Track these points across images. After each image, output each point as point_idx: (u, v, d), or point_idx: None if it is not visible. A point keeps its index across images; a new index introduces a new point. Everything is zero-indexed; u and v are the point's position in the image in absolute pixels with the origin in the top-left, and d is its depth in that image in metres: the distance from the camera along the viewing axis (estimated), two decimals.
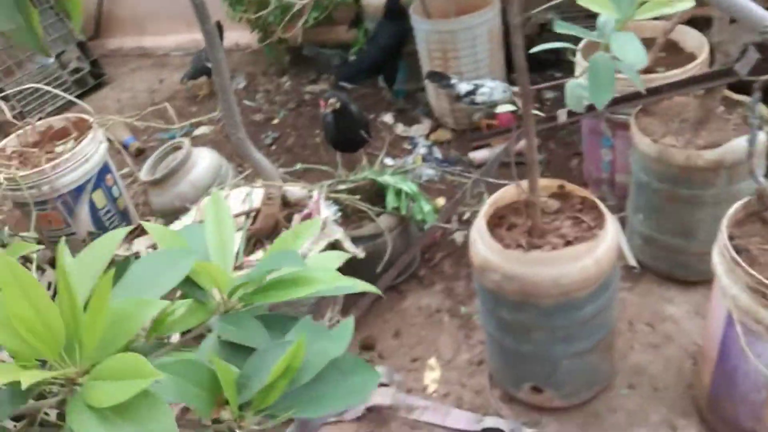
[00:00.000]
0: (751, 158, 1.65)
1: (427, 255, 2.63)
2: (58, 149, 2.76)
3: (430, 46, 3.14)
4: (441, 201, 2.88)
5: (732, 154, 1.93)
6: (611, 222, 1.71)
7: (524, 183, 1.72)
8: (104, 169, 2.76)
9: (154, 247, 2.28)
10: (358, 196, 2.30)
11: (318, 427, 1.96)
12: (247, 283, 0.69)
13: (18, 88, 3.83)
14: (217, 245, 0.80)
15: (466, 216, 2.76)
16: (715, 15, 1.90)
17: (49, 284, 2.38)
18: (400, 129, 3.48)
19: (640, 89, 1.45)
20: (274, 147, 3.58)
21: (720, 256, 1.55)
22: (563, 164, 2.98)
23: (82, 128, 2.85)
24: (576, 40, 1.38)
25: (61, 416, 0.81)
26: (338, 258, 0.80)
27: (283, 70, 4.34)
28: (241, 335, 0.67)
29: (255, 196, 2.28)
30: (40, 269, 2.38)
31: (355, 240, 2.26)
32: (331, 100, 2.41)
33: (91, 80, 4.81)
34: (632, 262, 2.38)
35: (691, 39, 2.48)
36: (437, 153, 3.23)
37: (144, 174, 2.68)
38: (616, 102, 2.16)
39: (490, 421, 1.93)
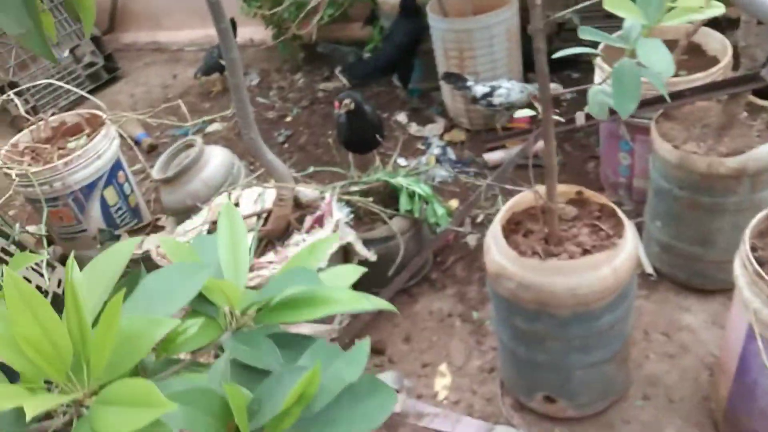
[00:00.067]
0: None
1: (440, 258, 2.60)
2: (71, 145, 2.76)
3: (446, 45, 3.10)
4: (454, 203, 2.84)
5: (755, 162, 1.89)
6: (630, 230, 1.68)
7: (541, 188, 1.68)
8: (116, 166, 2.75)
9: None
10: (370, 199, 2.27)
11: None
12: (260, 302, 0.67)
13: (30, 84, 3.83)
14: (230, 258, 0.77)
15: (479, 219, 2.72)
16: (742, 18, 1.85)
17: (59, 281, 2.37)
18: (413, 129, 3.45)
19: (665, 97, 1.41)
20: (286, 145, 3.56)
21: (742, 268, 1.51)
22: (580, 167, 2.93)
23: (95, 124, 2.84)
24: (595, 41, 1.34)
25: None
26: (354, 272, 0.78)
27: (297, 67, 4.31)
28: (253, 356, 0.65)
29: (267, 196, 2.26)
30: (51, 266, 2.37)
31: (367, 242, 2.24)
32: (346, 101, 2.38)
33: (105, 75, 4.81)
34: (649, 269, 2.34)
35: (714, 42, 2.43)
36: (451, 154, 3.20)
37: (156, 172, 2.67)
38: (637, 106, 2.12)
39: (501, 430, 1.90)
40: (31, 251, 2.33)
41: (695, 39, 2.44)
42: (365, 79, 3.69)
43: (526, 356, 1.82)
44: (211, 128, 3.85)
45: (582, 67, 3.39)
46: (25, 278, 2.21)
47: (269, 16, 3.84)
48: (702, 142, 2.03)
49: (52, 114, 2.95)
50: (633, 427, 1.89)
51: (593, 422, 1.91)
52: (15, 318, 0.59)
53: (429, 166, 3.09)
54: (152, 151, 3.74)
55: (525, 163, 2.72)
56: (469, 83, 3.00)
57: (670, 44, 2.02)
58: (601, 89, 1.36)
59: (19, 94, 3.60)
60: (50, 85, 4.22)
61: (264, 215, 2.21)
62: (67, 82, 4.46)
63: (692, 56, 2.45)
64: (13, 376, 0.69)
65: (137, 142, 3.74)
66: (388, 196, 2.42)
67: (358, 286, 2.35)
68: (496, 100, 2.93)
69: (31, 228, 2.80)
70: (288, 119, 3.81)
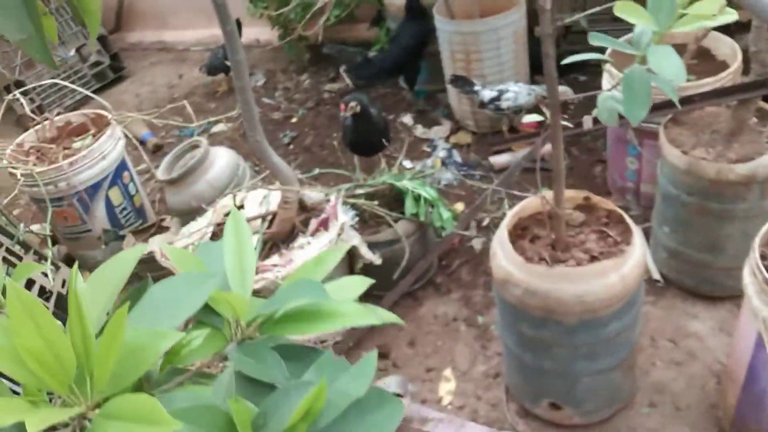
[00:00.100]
0: None
1: (445, 261, 2.59)
2: (76, 145, 2.76)
3: (452, 47, 3.09)
4: (460, 206, 2.83)
5: (765, 169, 1.87)
6: (638, 237, 1.66)
7: (548, 194, 1.67)
8: (121, 166, 2.75)
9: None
10: (376, 202, 2.26)
11: None
12: (266, 314, 0.66)
13: (36, 84, 3.84)
14: (236, 267, 0.76)
15: (485, 222, 2.71)
16: (753, 22, 1.83)
17: (64, 282, 2.37)
18: (419, 131, 3.43)
19: (676, 104, 1.39)
20: (291, 146, 3.55)
21: (751, 276, 1.49)
22: (587, 171, 2.92)
23: (100, 124, 2.84)
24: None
25: None
26: (360, 283, 0.76)
27: (302, 67, 4.31)
28: (258, 369, 0.64)
29: (272, 198, 2.25)
30: (55, 266, 2.37)
31: (372, 246, 2.23)
32: (352, 104, 2.37)
33: (111, 74, 4.81)
34: (656, 275, 2.33)
35: (724, 46, 2.41)
36: (457, 156, 3.18)
37: (161, 172, 2.66)
38: None
39: None
40: (35, 251, 2.33)
41: (705, 43, 2.42)
42: (371, 80, 3.68)
43: (531, 363, 1.80)
44: (216, 129, 3.84)
45: (589, 70, 3.37)
46: (29, 279, 2.21)
47: (275, 16, 3.83)
48: (711, 148, 2.01)
49: (58, 114, 2.94)
50: None
51: (599, 429, 1.89)
52: (17, 329, 0.58)
53: (435, 168, 3.08)
54: (157, 151, 3.74)
55: (532, 166, 2.72)
56: (476, 88, 2.98)
57: (679, 48, 2.01)
58: (610, 95, 1.35)
59: (24, 93, 3.60)
60: (56, 84, 4.23)
61: (269, 217, 2.21)
62: (73, 81, 4.47)
63: (701, 61, 2.43)
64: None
65: (142, 142, 3.74)
66: (394, 199, 2.40)
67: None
68: (504, 105, 2.91)
69: (35, 227, 2.80)
70: (293, 120, 3.80)
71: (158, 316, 0.66)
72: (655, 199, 2.25)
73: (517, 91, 2.91)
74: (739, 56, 2.25)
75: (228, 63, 1.77)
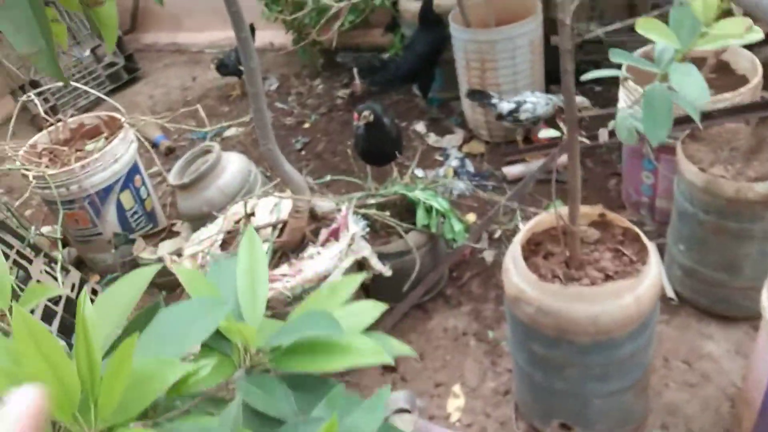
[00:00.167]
0: None
1: (455, 273, 2.56)
2: (89, 148, 2.76)
3: (468, 56, 3.06)
4: (472, 217, 2.80)
5: None
6: (654, 257, 1.63)
7: (563, 210, 1.64)
8: (133, 170, 2.75)
9: (178, 253, 2.25)
10: (387, 213, 2.24)
11: None
12: (276, 347, 0.64)
13: (50, 85, 3.85)
14: (249, 289, 0.74)
15: (497, 234, 2.68)
16: None
17: (73, 286, 2.36)
18: (432, 139, 3.41)
19: (696, 122, 1.36)
20: (303, 152, 3.54)
21: None
22: (601, 183, 2.88)
23: (113, 127, 2.84)
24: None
25: None
26: (374, 309, 0.74)
27: (316, 72, 4.30)
28: (267, 402, 0.62)
29: (283, 206, 2.23)
30: (65, 270, 2.37)
31: (383, 256, 2.21)
32: (365, 113, 2.35)
33: (125, 75, 4.83)
34: (670, 293, 2.29)
35: (744, 60, 2.37)
36: (469, 166, 3.15)
37: (173, 177, 2.66)
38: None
39: None
40: (46, 254, 2.33)
41: (724, 57, 2.39)
42: (385, 87, 3.67)
43: (542, 382, 1.77)
44: (228, 133, 3.84)
45: (605, 81, 3.34)
46: (38, 282, 2.20)
47: (290, 21, 3.83)
48: (730, 165, 1.98)
49: (71, 115, 2.95)
50: None
51: None
52: (22, 355, 0.56)
53: (447, 178, 3.05)
54: (170, 154, 3.74)
55: (545, 178, 2.69)
56: (494, 100, 2.95)
57: (698, 62, 1.98)
58: (629, 113, 1.32)
59: (39, 93, 3.62)
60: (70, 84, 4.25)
61: (279, 226, 2.19)
62: (88, 82, 4.49)
63: (720, 75, 2.39)
64: None
65: (155, 145, 3.75)
66: (405, 209, 2.38)
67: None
68: (522, 116, 2.89)
69: (46, 229, 2.80)
70: (306, 126, 3.79)
71: (167, 344, 0.64)
72: (671, 215, 2.21)
73: (536, 102, 2.88)
74: (760, 70, 2.22)
75: (241, 67, 1.75)
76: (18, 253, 2.20)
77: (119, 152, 2.64)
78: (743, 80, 2.29)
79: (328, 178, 2.80)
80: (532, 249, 1.77)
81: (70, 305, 2.25)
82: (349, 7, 3.21)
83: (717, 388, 1.98)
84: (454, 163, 3.18)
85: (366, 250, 2.09)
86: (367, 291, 2.28)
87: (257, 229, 2.17)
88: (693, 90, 1.12)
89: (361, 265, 2.17)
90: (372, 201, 2.33)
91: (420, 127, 3.52)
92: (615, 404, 1.77)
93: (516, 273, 1.65)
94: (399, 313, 2.28)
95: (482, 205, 2.88)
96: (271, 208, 2.25)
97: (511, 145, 3.17)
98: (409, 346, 2.24)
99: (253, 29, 3.77)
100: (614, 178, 2.88)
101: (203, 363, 0.64)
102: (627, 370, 1.70)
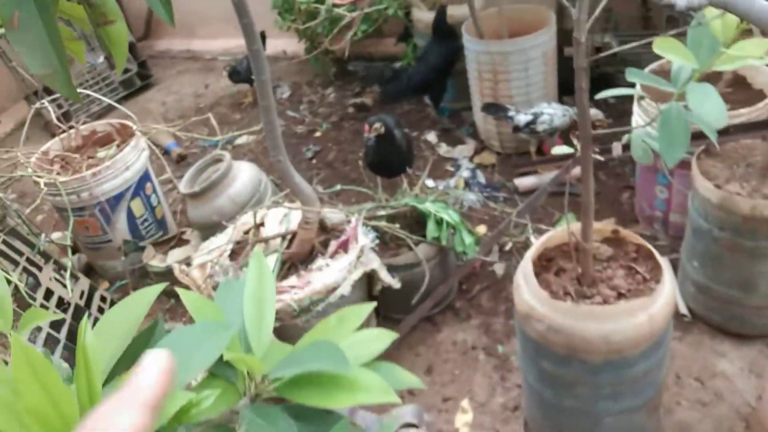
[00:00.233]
0: None
1: (465, 286, 2.54)
2: (100, 155, 2.77)
3: (480, 67, 3.05)
4: (482, 229, 2.78)
5: None
6: (668, 275, 1.60)
7: (575, 226, 1.62)
8: (144, 178, 2.75)
9: (187, 262, 2.24)
10: (397, 225, 2.23)
11: None
12: (281, 379, 0.63)
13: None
14: (255, 313, 0.73)
15: (507, 247, 2.66)
16: None
17: (82, 293, 2.37)
18: (443, 149, 3.39)
19: (713, 140, 1.34)
20: (314, 161, 3.53)
21: None
22: (614, 196, 2.85)
23: (125, 135, 2.85)
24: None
25: None
26: (384, 338, 0.73)
27: (328, 81, 4.30)
28: None
29: (292, 217, 2.23)
30: (74, 277, 2.37)
31: (392, 269, 2.19)
32: (376, 125, 2.34)
33: (138, 81, 4.85)
34: (683, 309, 2.26)
35: (761, 75, 2.34)
36: (481, 177, 3.13)
37: (183, 185, 2.66)
38: None
39: None
40: (55, 261, 2.33)
41: (740, 71, 2.36)
42: (397, 99, 3.66)
43: (552, 399, 1.75)
44: (240, 140, 3.85)
45: None
46: (48, 289, 2.21)
47: (303, 30, 3.84)
48: (746, 182, 1.95)
49: (84, 122, 2.96)
50: None
51: None
52: (21, 387, 0.55)
53: (458, 189, 3.03)
54: (182, 161, 3.75)
55: (558, 190, 2.67)
56: (510, 113, 2.94)
57: (714, 76, 1.96)
58: (645, 132, 1.30)
59: (52, 99, 3.64)
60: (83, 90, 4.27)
61: (288, 237, 2.18)
62: (101, 88, 4.52)
63: (737, 89, 2.36)
64: None
65: (167, 152, 3.76)
66: (415, 221, 2.37)
67: (381, 313, 2.29)
68: (540, 128, 2.87)
69: (56, 235, 2.81)
70: (317, 134, 3.79)
71: None
72: (685, 231, 2.18)
73: (553, 113, 2.86)
74: None
75: (253, 77, 1.75)
76: (28, 260, 2.21)
77: (130, 160, 2.64)
78: (760, 95, 2.26)
79: (339, 187, 2.80)
80: (544, 265, 1.75)
81: (78, 313, 2.25)
82: (362, 17, 3.21)
83: (730, 408, 1.95)
84: (465, 173, 3.17)
85: (375, 263, 2.08)
86: (376, 303, 2.26)
87: (266, 240, 2.16)
88: (711, 112, 1.10)
89: (370, 276, 2.16)
90: (382, 212, 2.31)
91: (431, 137, 3.51)
92: (626, 423, 1.74)
93: (527, 290, 1.63)
94: (407, 325, 2.27)
95: (492, 216, 2.86)
96: (281, 218, 2.24)
97: (523, 156, 3.15)
98: (417, 359, 2.23)
99: (264, 37, 3.78)
100: (627, 191, 2.85)
101: (206, 393, 0.62)
102: (639, 389, 1.67)
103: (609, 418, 1.72)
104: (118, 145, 2.82)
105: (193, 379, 0.70)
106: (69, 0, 0.90)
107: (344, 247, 2.09)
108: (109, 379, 0.72)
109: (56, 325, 2.09)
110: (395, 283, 2.14)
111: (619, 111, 3.21)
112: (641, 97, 2.15)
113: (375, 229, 2.21)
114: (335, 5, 3.12)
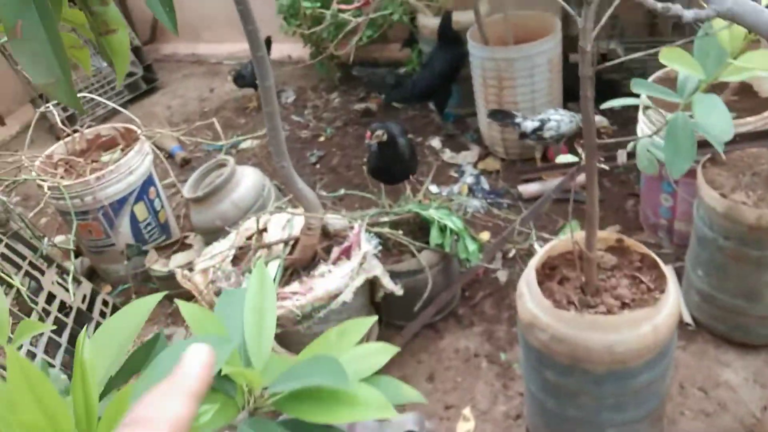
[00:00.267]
0: None
1: (468, 293, 2.53)
2: (104, 159, 2.77)
3: (485, 74, 3.04)
4: (486, 235, 2.77)
5: None
6: (673, 285, 1.59)
7: (579, 235, 1.61)
8: (148, 182, 2.75)
9: (190, 267, 2.24)
10: (400, 232, 2.22)
11: None
12: (280, 393, 0.62)
13: None
14: (255, 328, 0.72)
15: (511, 254, 2.65)
16: None
17: (84, 297, 2.36)
18: (447, 155, 3.39)
19: (719, 151, 1.33)
20: (318, 166, 3.53)
21: None
22: (618, 204, 2.84)
23: (129, 139, 2.85)
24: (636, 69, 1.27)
25: None
26: (384, 352, 0.72)
27: (333, 86, 4.30)
28: None
29: (295, 222, 2.22)
30: (77, 281, 2.37)
31: (395, 275, 2.18)
32: (378, 132, 2.33)
33: (144, 85, 4.86)
34: (687, 318, 2.24)
35: (767, 83, 2.33)
36: (485, 183, 3.13)
37: (187, 190, 2.66)
38: None
39: None
40: (58, 265, 2.33)
41: (747, 79, 2.35)
42: (402, 104, 3.66)
43: (555, 409, 1.73)
44: (244, 144, 3.85)
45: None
46: (50, 293, 2.21)
47: (308, 35, 3.84)
48: (751, 191, 1.93)
49: (88, 126, 2.97)
50: None
51: None
52: (17, 402, 0.55)
53: (462, 195, 3.03)
54: (186, 165, 3.75)
55: (562, 197, 2.66)
56: (517, 120, 2.93)
57: (720, 84, 1.94)
58: (650, 142, 1.29)
59: (57, 102, 3.65)
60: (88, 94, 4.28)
61: (291, 243, 2.18)
62: (106, 91, 4.53)
63: (743, 97, 2.35)
64: None
65: (171, 156, 3.76)
66: (418, 227, 2.36)
67: (383, 319, 2.27)
68: (547, 134, 2.86)
69: (60, 239, 2.81)
70: (321, 139, 3.79)
71: None
72: (690, 239, 2.17)
73: (560, 120, 2.85)
74: None
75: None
76: (30, 263, 2.21)
77: (134, 164, 2.65)
78: (767, 103, 2.25)
79: (342, 192, 2.79)
80: (547, 273, 1.74)
81: (81, 317, 2.25)
82: (367, 22, 3.21)
83: (734, 418, 1.93)
84: (469, 179, 3.16)
85: (378, 269, 2.07)
86: (378, 310, 2.26)
87: (269, 246, 2.16)
88: (717, 124, 1.10)
89: (372, 283, 2.15)
90: (385, 219, 2.31)
91: (435, 142, 3.50)
92: None
93: (530, 298, 1.62)
94: (410, 332, 2.26)
95: (496, 223, 2.85)
96: (284, 224, 2.24)
97: (528, 163, 3.14)
98: (419, 366, 2.22)
99: (269, 42, 3.79)
100: (632, 198, 2.84)
101: (205, 407, 0.62)
102: (643, 400, 1.66)
103: (612, 429, 1.71)
104: (122, 149, 2.82)
105: None
106: (71, 7, 0.90)
107: (347, 253, 2.08)
108: (107, 389, 0.72)
109: (58, 330, 2.09)
110: (398, 290, 2.13)
111: (624, 118, 3.20)
112: (647, 107, 2.14)
113: (378, 235, 2.21)
114: (340, 10, 3.11)
